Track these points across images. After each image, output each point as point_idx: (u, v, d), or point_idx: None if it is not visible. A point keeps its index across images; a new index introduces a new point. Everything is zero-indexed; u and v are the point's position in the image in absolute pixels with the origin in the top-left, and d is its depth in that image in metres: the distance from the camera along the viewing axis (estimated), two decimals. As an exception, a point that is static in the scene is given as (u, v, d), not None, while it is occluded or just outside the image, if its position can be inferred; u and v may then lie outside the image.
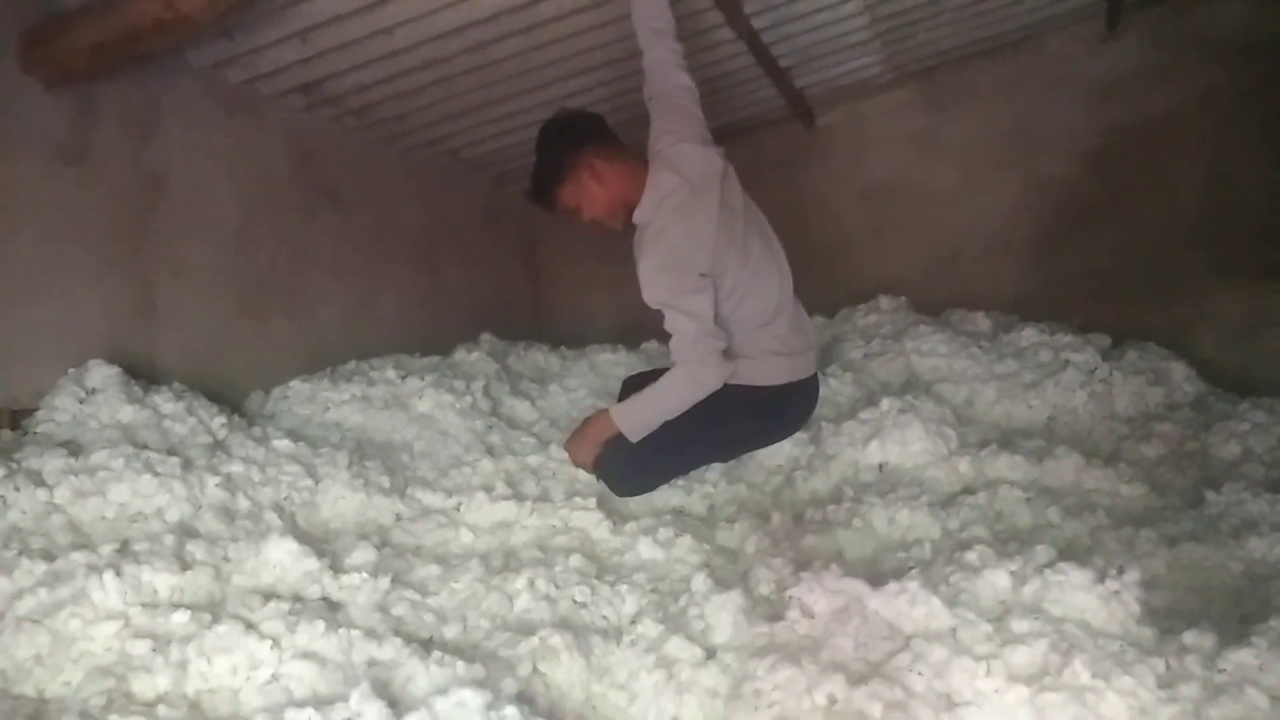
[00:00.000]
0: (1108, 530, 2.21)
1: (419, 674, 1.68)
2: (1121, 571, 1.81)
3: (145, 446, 2.23)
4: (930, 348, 3.25)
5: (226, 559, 1.99)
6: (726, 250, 2.60)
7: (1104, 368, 3.05)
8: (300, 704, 1.54)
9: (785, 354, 2.75)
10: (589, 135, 2.72)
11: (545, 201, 2.77)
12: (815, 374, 2.89)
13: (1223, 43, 3.81)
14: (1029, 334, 3.30)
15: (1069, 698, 1.50)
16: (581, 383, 3.46)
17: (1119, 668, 1.55)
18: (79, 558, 1.82)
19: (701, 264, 2.55)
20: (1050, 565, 1.85)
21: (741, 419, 2.73)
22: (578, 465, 2.76)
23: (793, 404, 2.83)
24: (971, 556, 1.94)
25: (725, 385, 2.61)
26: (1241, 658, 1.55)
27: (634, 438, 2.64)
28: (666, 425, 2.63)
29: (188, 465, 2.23)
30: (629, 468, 2.68)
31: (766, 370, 2.72)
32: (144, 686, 1.60)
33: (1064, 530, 2.24)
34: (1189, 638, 1.63)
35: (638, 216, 2.65)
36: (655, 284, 2.55)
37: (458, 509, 2.49)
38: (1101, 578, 1.78)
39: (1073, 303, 3.76)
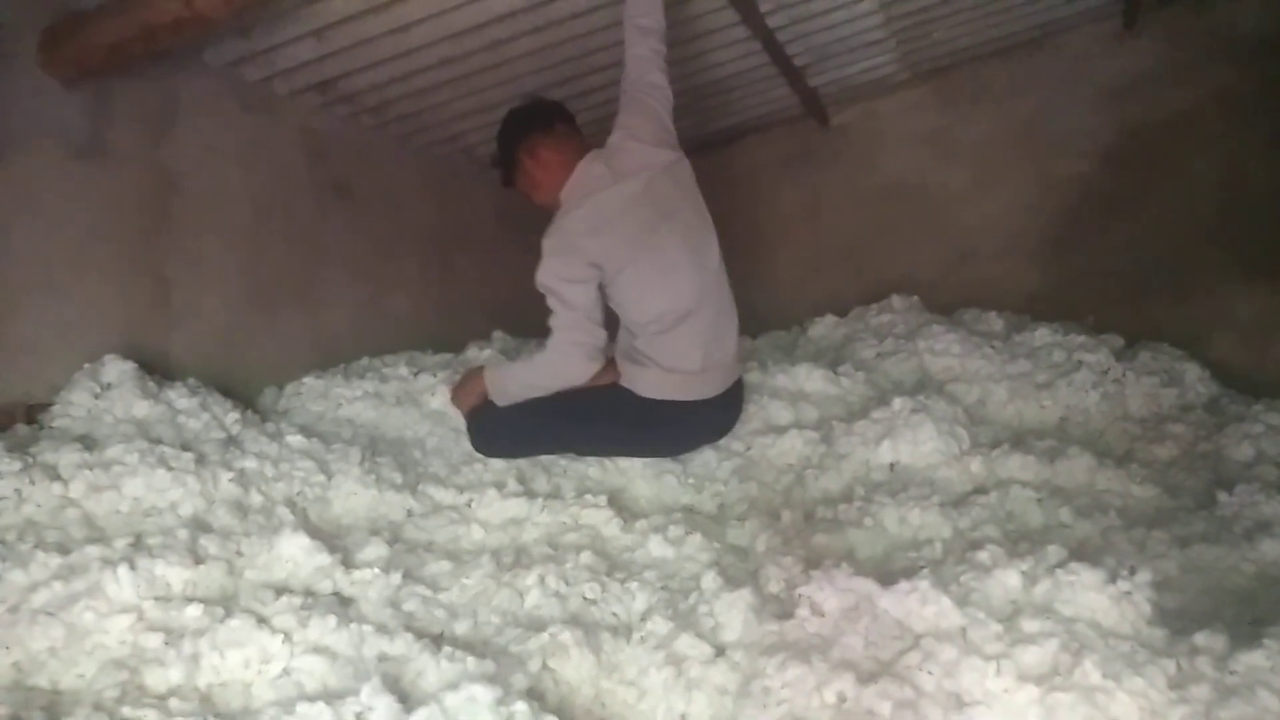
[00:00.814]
0: (1119, 531, 2.20)
1: (429, 669, 1.69)
2: (1133, 572, 1.80)
3: (159, 441, 2.25)
4: (943, 347, 3.24)
5: (239, 554, 2.01)
6: (632, 247, 2.58)
7: (1117, 368, 3.03)
8: (311, 698, 1.56)
9: (672, 369, 2.66)
10: (535, 122, 2.77)
11: (507, 185, 2.86)
12: (715, 397, 2.73)
13: (1240, 42, 3.79)
14: (1042, 334, 3.29)
15: (1079, 698, 1.51)
16: (593, 380, 3.46)
17: (1130, 668, 1.55)
18: (93, 551, 1.84)
19: (592, 254, 2.55)
20: (1061, 565, 1.84)
21: (613, 420, 2.70)
22: (454, 407, 2.86)
23: (674, 423, 2.73)
24: (982, 556, 1.94)
25: (614, 383, 2.67)
26: (1253, 659, 1.54)
27: (499, 402, 2.71)
28: (541, 401, 2.67)
29: (201, 460, 2.24)
30: (494, 428, 2.75)
31: (647, 380, 2.67)
32: (157, 679, 1.61)
33: (1075, 531, 2.24)
34: (1200, 639, 1.63)
35: (561, 198, 2.69)
36: (545, 266, 2.58)
37: (469, 505, 2.49)
38: (1113, 578, 1.78)
39: (1086, 303, 3.75)
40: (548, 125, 2.76)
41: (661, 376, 2.67)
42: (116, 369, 2.41)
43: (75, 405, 2.31)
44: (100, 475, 2.06)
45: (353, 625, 1.77)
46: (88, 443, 2.17)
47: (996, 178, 4.24)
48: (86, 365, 2.42)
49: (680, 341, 2.66)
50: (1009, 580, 1.85)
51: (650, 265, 2.60)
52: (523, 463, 2.73)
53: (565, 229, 2.60)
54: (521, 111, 2.84)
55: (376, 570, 2.02)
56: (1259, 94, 3.71)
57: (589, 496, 2.50)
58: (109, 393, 2.36)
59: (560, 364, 2.64)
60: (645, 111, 2.74)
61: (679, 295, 2.63)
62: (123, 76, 2.61)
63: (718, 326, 2.72)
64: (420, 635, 1.79)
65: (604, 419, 2.70)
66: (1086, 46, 4.10)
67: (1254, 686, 1.49)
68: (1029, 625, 1.69)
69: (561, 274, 2.57)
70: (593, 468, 2.74)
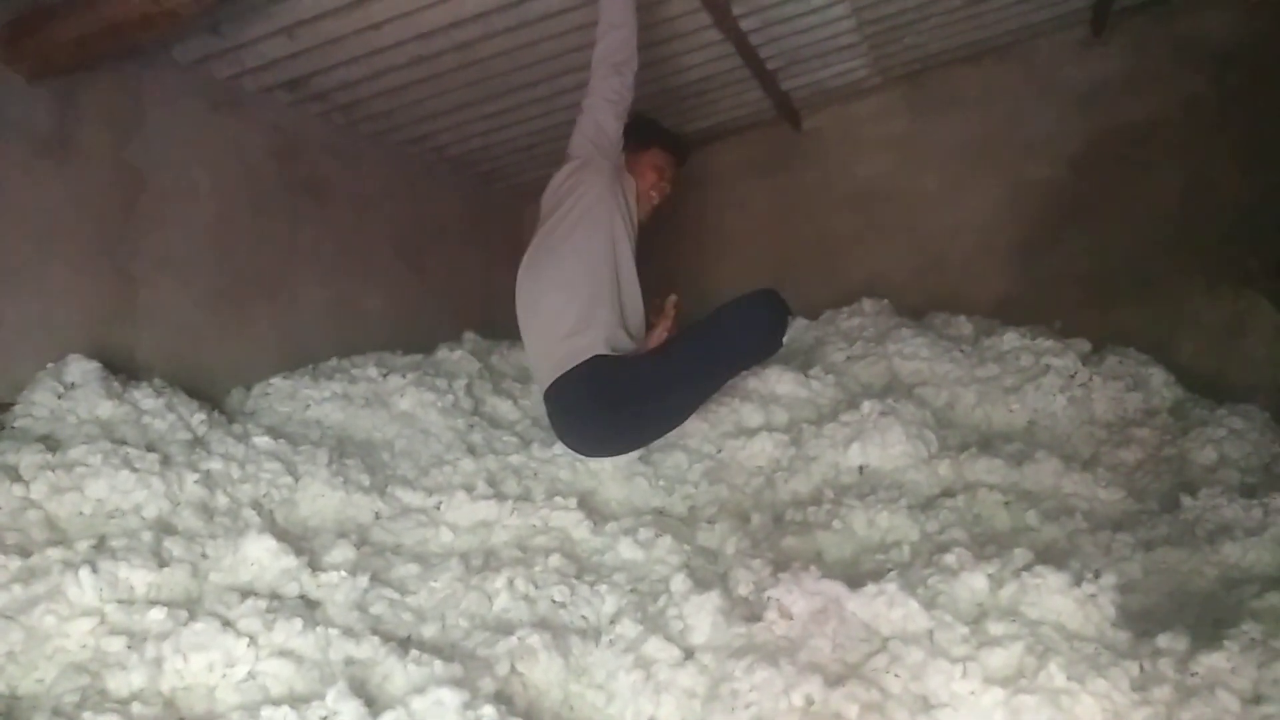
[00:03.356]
0: (1085, 534, 2.23)
1: (396, 673, 1.68)
2: (1098, 575, 1.82)
3: (124, 442, 2.22)
4: (912, 351, 3.25)
5: (204, 556, 1.99)
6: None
7: (1084, 373, 3.06)
8: (277, 702, 1.54)
9: None
10: None
11: None
12: (550, 389, 2.78)
13: (1205, 51, 3.85)
14: (1010, 338, 3.31)
15: (1044, 700, 1.52)
16: (564, 382, 3.45)
17: (1094, 670, 1.56)
18: (55, 554, 1.82)
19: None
20: (1028, 568, 1.86)
21: None
22: None
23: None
24: (950, 559, 1.96)
25: None
26: (1214, 661, 1.56)
27: None
28: None
29: (166, 462, 2.22)
30: None
31: None
32: (119, 684, 1.59)
33: (1042, 534, 2.26)
34: (1163, 641, 1.65)
35: None
36: None
37: (438, 508, 2.48)
38: (1078, 581, 1.79)
39: (1054, 307, 3.78)
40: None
41: None
42: (80, 368, 2.39)
43: (38, 405, 2.28)
44: (63, 476, 2.03)
45: (319, 628, 1.75)
46: (50, 443, 2.14)
47: (966, 183, 4.27)
48: (50, 364, 2.39)
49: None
50: (976, 583, 1.86)
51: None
52: (492, 465, 2.73)
53: None
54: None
55: (343, 573, 2.01)
56: (1224, 102, 3.77)
57: (559, 499, 2.50)
58: (72, 392, 2.33)
59: None
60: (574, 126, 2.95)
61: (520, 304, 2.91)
62: (89, 72, 2.58)
63: (539, 311, 2.86)
64: (387, 638, 1.78)
65: None
66: (1055, 53, 4.15)
67: (1214, 687, 1.51)
68: (995, 628, 1.71)
69: None
70: (563, 470, 2.74)
